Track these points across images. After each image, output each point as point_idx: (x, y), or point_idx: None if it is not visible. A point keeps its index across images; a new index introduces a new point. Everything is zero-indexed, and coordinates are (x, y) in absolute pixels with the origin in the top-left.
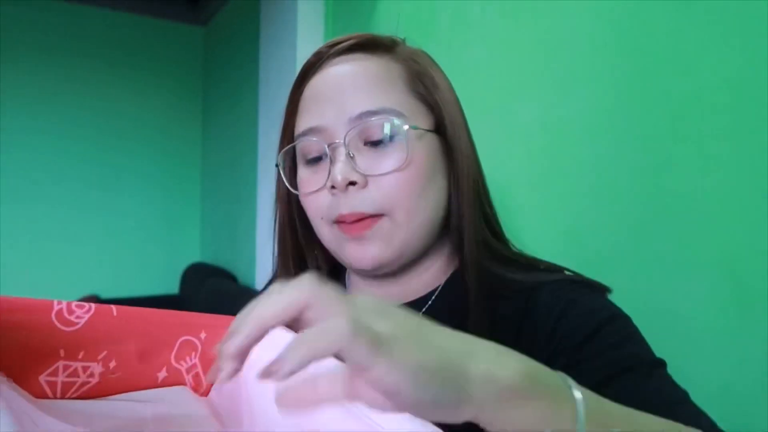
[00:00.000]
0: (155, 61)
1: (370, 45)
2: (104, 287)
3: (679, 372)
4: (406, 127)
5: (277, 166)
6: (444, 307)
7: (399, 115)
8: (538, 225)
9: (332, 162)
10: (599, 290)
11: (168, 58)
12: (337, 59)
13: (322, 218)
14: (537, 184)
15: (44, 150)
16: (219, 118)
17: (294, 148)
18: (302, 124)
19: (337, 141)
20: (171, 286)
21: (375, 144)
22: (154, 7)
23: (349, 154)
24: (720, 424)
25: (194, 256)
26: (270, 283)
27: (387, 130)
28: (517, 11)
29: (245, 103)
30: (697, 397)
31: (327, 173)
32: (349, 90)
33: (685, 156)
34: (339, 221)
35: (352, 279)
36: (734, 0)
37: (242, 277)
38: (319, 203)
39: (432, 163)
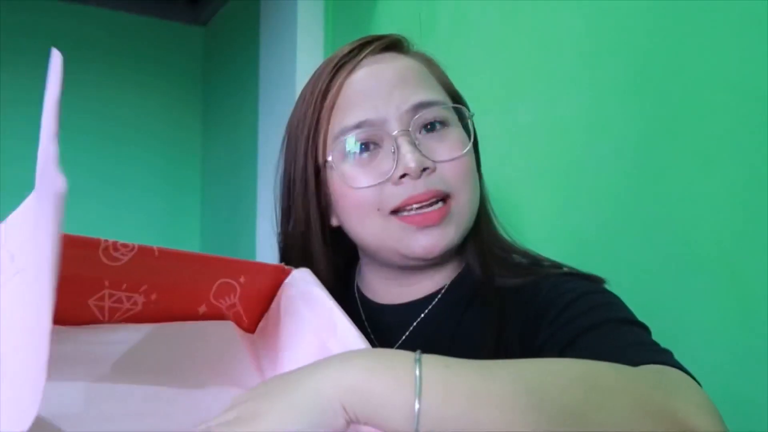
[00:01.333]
0: (155, 60)
1: (399, 46)
2: None
3: None
4: (471, 114)
5: (327, 161)
6: (450, 309)
7: (452, 105)
8: (538, 225)
9: (399, 151)
10: (594, 280)
11: (168, 58)
12: (374, 58)
13: (378, 209)
14: (536, 184)
15: None
16: (219, 118)
17: (332, 146)
18: (351, 116)
19: (399, 130)
20: None
21: (435, 132)
22: (153, 7)
23: (414, 142)
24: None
25: None
26: None
27: (445, 118)
28: (516, 11)
29: (245, 103)
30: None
31: (387, 165)
32: (401, 82)
33: (685, 156)
34: (402, 208)
35: (368, 276)
36: (734, 0)
37: None
38: (375, 195)
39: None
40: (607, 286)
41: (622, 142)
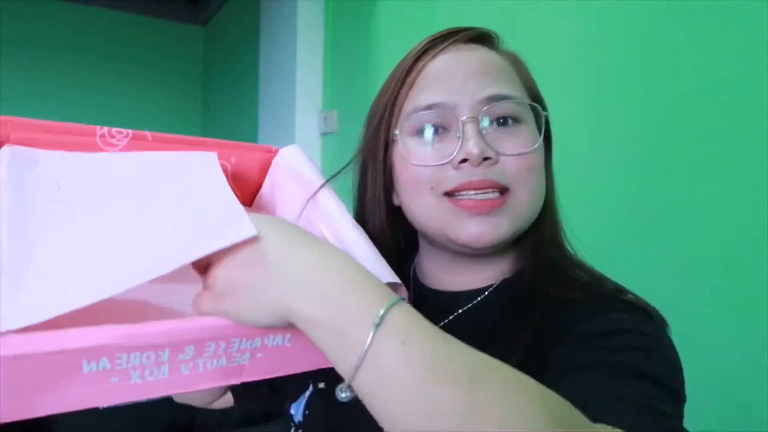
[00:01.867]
0: (155, 60)
1: (487, 39)
2: None
3: None
4: (545, 113)
5: (396, 135)
6: (494, 306)
7: (527, 102)
8: None
9: (464, 137)
10: (654, 318)
11: (168, 58)
12: (461, 46)
13: (432, 188)
14: None
15: None
16: (219, 118)
17: (401, 124)
18: (425, 98)
19: (470, 117)
20: None
21: (506, 126)
22: (154, 6)
23: (481, 131)
24: (720, 424)
25: None
26: None
27: (519, 114)
28: (516, 11)
29: (245, 103)
30: (698, 397)
31: (451, 148)
32: (480, 73)
33: (686, 157)
34: (457, 191)
35: (423, 259)
36: (734, 0)
37: None
38: (432, 175)
39: (544, 158)
40: (667, 330)
41: (623, 143)
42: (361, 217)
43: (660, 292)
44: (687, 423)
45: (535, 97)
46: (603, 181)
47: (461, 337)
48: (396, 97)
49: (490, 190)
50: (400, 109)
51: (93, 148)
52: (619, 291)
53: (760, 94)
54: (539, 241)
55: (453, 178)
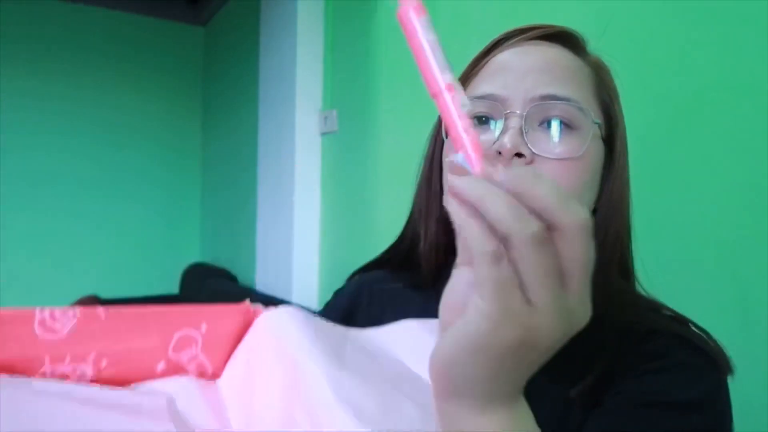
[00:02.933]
0: (155, 61)
1: (570, 40)
2: (104, 287)
3: None
4: (594, 121)
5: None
6: None
7: (583, 108)
8: None
9: (504, 130)
10: (718, 366)
11: (168, 59)
12: (536, 41)
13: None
14: None
15: (44, 150)
16: (219, 119)
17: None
18: (481, 88)
19: (515, 111)
20: (171, 286)
21: (552, 127)
22: (154, 6)
23: (524, 128)
24: None
25: (194, 257)
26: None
27: (571, 117)
28: (516, 11)
29: (245, 104)
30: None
31: (492, 139)
32: (542, 71)
33: (685, 156)
34: None
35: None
36: (734, 0)
37: (242, 277)
38: None
39: (596, 168)
40: (728, 378)
41: None
42: (414, 212)
43: (660, 291)
44: None
45: (607, 110)
46: None
47: None
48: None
49: None
50: None
51: (30, 338)
52: (678, 320)
53: (761, 94)
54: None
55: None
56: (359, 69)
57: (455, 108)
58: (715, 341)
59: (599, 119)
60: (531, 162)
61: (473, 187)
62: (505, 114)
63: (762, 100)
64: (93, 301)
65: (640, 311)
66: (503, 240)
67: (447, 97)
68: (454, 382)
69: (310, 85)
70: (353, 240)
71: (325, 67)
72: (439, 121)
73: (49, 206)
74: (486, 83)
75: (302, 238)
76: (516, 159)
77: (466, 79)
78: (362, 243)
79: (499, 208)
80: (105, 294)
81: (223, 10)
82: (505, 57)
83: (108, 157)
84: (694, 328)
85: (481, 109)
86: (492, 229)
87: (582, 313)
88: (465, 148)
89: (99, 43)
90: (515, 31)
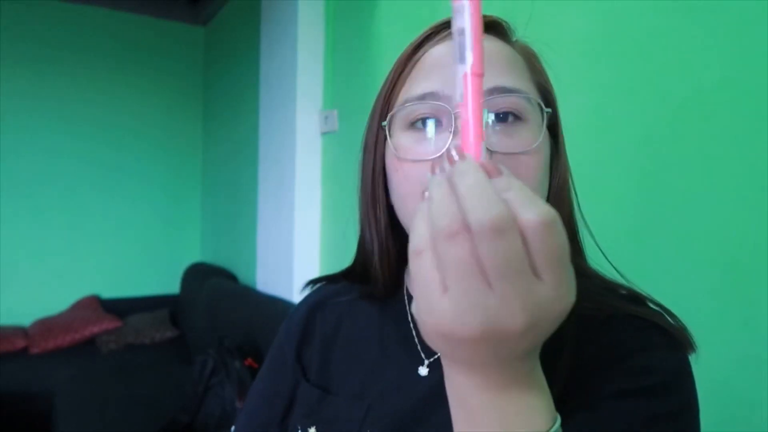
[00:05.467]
0: (156, 60)
1: (500, 29)
2: (105, 287)
3: None
4: (546, 110)
5: (383, 126)
6: None
7: (532, 98)
8: None
9: (455, 131)
10: (680, 345)
11: (168, 58)
12: None
13: (424, 192)
14: None
15: (46, 150)
16: (220, 118)
17: (392, 115)
18: (419, 87)
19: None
20: (171, 285)
21: (506, 123)
22: (154, 6)
23: None
24: (720, 423)
25: (195, 256)
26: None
27: (521, 109)
28: (516, 12)
29: (246, 104)
30: (699, 397)
31: (440, 143)
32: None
33: (685, 156)
34: None
35: None
36: (734, 0)
37: (242, 277)
38: (420, 172)
39: (547, 159)
40: (691, 355)
41: (622, 142)
42: (361, 223)
43: (660, 291)
44: None
45: (546, 95)
46: (602, 179)
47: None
48: (393, 88)
49: None
50: (396, 100)
51: None
52: (634, 298)
53: (761, 94)
54: None
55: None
56: (359, 69)
57: (475, 94)
58: (675, 317)
59: (543, 106)
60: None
61: (433, 183)
62: (454, 114)
63: (762, 100)
64: (94, 300)
65: (597, 296)
66: (465, 223)
67: (476, 81)
68: (445, 358)
69: (311, 84)
70: (353, 239)
71: (325, 67)
72: (375, 131)
73: (50, 206)
74: (423, 82)
75: (303, 238)
76: None
77: (397, 79)
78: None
79: (431, 204)
80: (106, 294)
81: (223, 10)
82: (438, 52)
83: (108, 157)
84: (651, 305)
85: (423, 110)
86: (459, 208)
87: (558, 304)
88: (469, 133)
89: (99, 43)
90: (442, 24)
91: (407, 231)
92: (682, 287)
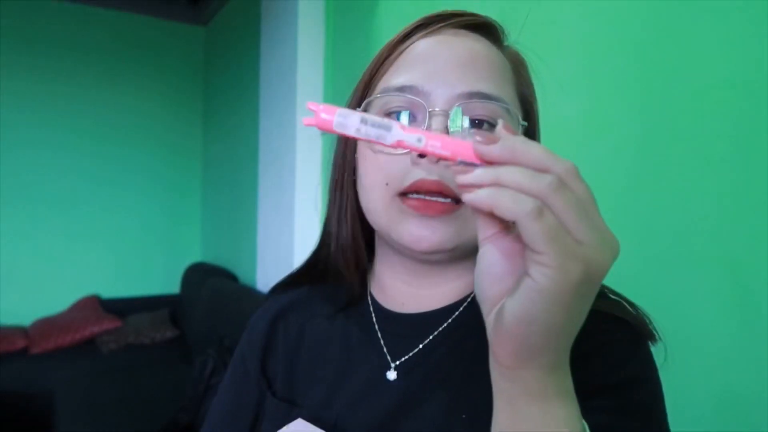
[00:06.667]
0: (156, 60)
1: (493, 32)
2: (105, 287)
3: (681, 372)
4: (521, 123)
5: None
6: (471, 321)
7: (510, 108)
8: None
9: (428, 129)
10: (642, 337)
11: (169, 58)
12: (457, 31)
13: (387, 184)
14: None
15: (46, 150)
16: (220, 118)
17: (371, 101)
18: (399, 78)
19: (438, 109)
20: (172, 285)
21: (479, 128)
22: (155, 6)
23: (448, 128)
24: (720, 424)
25: (195, 256)
26: (313, 257)
27: (497, 118)
28: (516, 12)
29: (246, 104)
30: (698, 397)
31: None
32: (467, 65)
33: (685, 156)
34: (409, 192)
35: (379, 267)
36: (734, 0)
37: (243, 277)
38: (390, 167)
39: None
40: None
41: (622, 141)
42: (327, 211)
43: (660, 292)
44: (687, 422)
45: (527, 107)
46: (602, 179)
47: (447, 363)
48: (373, 76)
49: (441, 197)
50: (375, 88)
51: None
52: (600, 294)
53: (761, 94)
54: None
55: (409, 174)
56: (360, 68)
57: (434, 133)
58: (636, 308)
59: (520, 118)
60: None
61: (485, 174)
62: (430, 111)
63: (762, 100)
64: (94, 300)
65: None
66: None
67: (414, 131)
68: (530, 342)
69: (311, 84)
70: None
71: (325, 67)
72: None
73: (50, 207)
74: (405, 73)
75: (303, 237)
76: (442, 162)
77: (379, 66)
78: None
79: (515, 176)
80: (106, 294)
81: (223, 9)
82: (425, 45)
83: (108, 157)
84: (611, 295)
85: (399, 103)
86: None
87: (614, 239)
88: (463, 155)
89: (100, 43)
90: (435, 17)
91: (371, 222)
92: (682, 287)
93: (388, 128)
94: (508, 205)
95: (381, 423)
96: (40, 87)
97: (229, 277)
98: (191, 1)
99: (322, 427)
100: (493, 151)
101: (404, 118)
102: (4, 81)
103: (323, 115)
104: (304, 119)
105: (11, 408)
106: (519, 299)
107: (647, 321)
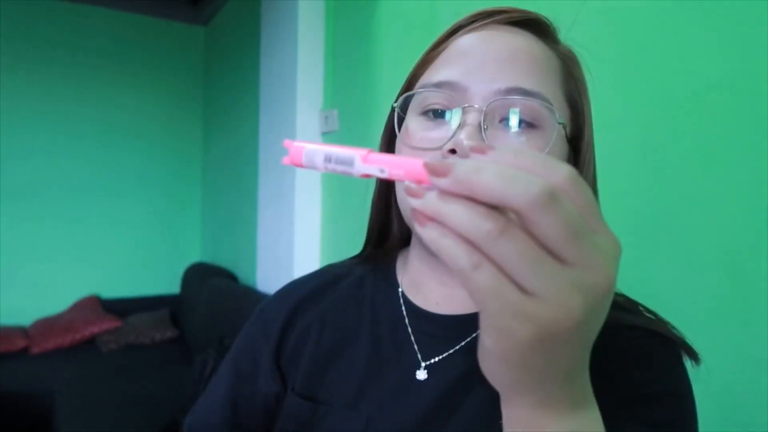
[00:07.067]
0: (156, 60)
1: (541, 28)
2: (105, 287)
3: None
4: (558, 122)
5: (393, 107)
6: None
7: (551, 107)
8: None
9: (461, 125)
10: (680, 355)
11: (169, 58)
12: (503, 27)
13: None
14: None
15: (46, 150)
16: (220, 118)
17: (411, 97)
18: (438, 75)
19: (474, 105)
20: (172, 286)
21: (513, 125)
22: (154, 6)
23: (483, 124)
24: (720, 423)
25: (195, 256)
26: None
27: (536, 115)
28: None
29: (246, 104)
30: (698, 397)
31: (447, 134)
32: (508, 61)
33: (685, 156)
34: None
35: (416, 265)
36: (734, 0)
37: (243, 277)
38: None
39: None
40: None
41: (622, 141)
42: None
43: (660, 291)
44: None
45: (575, 106)
46: (602, 180)
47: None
48: (417, 71)
49: None
50: (416, 83)
51: None
52: (630, 309)
53: (761, 94)
54: None
55: None
56: (360, 69)
57: (380, 156)
58: (673, 327)
59: (565, 117)
60: None
61: (429, 205)
62: (464, 107)
63: (762, 100)
64: (94, 300)
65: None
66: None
67: (371, 156)
68: (500, 382)
69: (311, 84)
70: (354, 239)
71: (325, 67)
72: (392, 110)
73: (50, 207)
74: (444, 69)
75: (303, 238)
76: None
77: (423, 64)
78: (363, 242)
79: (458, 217)
80: (106, 294)
81: (223, 10)
82: (467, 41)
83: (108, 157)
84: (644, 312)
85: (437, 100)
86: (460, 237)
87: (598, 279)
88: (428, 183)
89: (99, 43)
90: (481, 13)
91: (402, 213)
92: (682, 287)
93: (350, 163)
94: (446, 253)
95: (414, 427)
96: (40, 87)
97: (229, 277)
98: (191, 1)
99: (351, 429)
100: (441, 184)
101: (431, 111)
102: (4, 81)
103: (294, 153)
104: (283, 159)
105: (11, 408)
106: (481, 350)
107: (686, 342)
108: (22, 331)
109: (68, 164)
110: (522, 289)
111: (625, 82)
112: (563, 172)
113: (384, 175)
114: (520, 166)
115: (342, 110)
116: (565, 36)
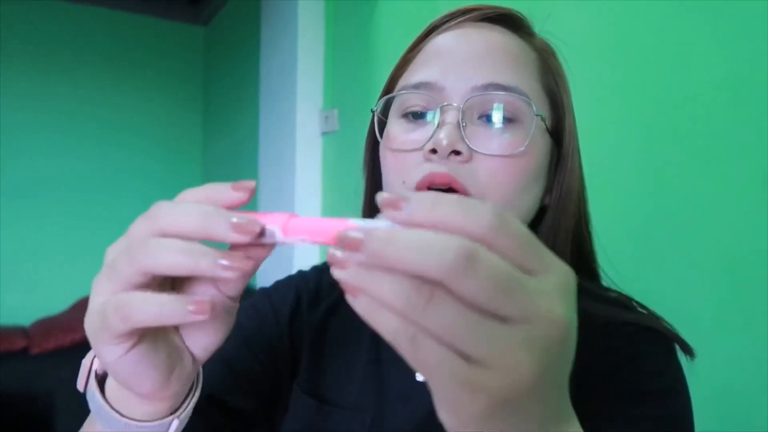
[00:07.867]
0: (156, 60)
1: (515, 22)
2: None
3: None
4: (536, 114)
5: (372, 111)
6: None
7: (529, 100)
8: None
9: (440, 125)
10: (674, 350)
11: (169, 58)
12: (477, 24)
13: (404, 182)
14: None
15: (46, 150)
16: (220, 118)
17: (391, 100)
18: (416, 76)
19: (452, 104)
20: None
21: (492, 121)
22: (154, 6)
23: (461, 122)
24: (720, 424)
25: None
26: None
27: (514, 110)
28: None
29: (246, 104)
30: (698, 397)
31: (427, 135)
32: (483, 57)
33: (685, 156)
34: (421, 187)
35: None
36: (734, 0)
37: None
38: (405, 164)
39: (540, 165)
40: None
41: (623, 141)
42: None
43: (660, 292)
44: None
45: (554, 98)
46: (602, 180)
47: None
48: (395, 75)
49: (452, 191)
50: (396, 86)
51: None
52: (624, 304)
53: (761, 94)
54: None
55: (420, 169)
56: (360, 68)
57: (302, 223)
58: (666, 322)
59: (544, 110)
60: (469, 159)
61: (353, 278)
62: (442, 107)
63: (762, 100)
64: None
65: (591, 304)
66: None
67: (292, 225)
68: None
69: (311, 84)
70: None
71: (325, 67)
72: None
73: (50, 206)
74: (421, 70)
75: None
76: (453, 156)
77: (401, 66)
78: None
79: (381, 286)
80: None
81: (223, 10)
82: (442, 41)
83: (109, 157)
84: (640, 308)
85: (416, 101)
86: (393, 310)
87: (545, 328)
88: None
89: (99, 43)
90: (455, 12)
91: None
92: (682, 288)
93: (272, 236)
94: (381, 328)
95: (416, 428)
96: (40, 87)
97: None
98: (191, 1)
99: (354, 430)
100: (356, 259)
101: (410, 113)
102: (4, 81)
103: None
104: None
105: (11, 408)
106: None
107: (680, 337)
108: (22, 331)
109: (68, 164)
110: (466, 358)
111: (626, 82)
112: (484, 216)
113: (307, 243)
114: (436, 221)
115: (342, 110)
116: (565, 36)
